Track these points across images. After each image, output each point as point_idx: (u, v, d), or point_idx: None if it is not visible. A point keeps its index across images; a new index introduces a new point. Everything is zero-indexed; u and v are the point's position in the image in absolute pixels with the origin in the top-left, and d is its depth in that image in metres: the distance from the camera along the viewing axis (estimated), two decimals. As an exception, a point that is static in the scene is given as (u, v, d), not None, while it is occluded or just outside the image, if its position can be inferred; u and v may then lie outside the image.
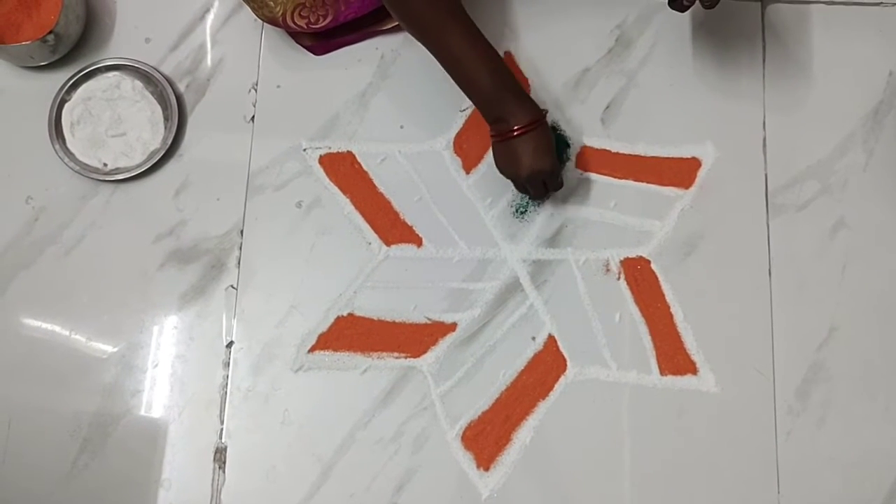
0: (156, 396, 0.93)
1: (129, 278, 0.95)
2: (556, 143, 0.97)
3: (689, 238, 0.95)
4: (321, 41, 1.00)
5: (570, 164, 0.98)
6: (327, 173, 0.98)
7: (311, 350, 0.93)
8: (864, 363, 0.92)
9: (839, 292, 0.94)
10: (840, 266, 0.95)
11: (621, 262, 0.95)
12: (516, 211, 0.96)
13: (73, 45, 1.00)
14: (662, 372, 0.92)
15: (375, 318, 0.94)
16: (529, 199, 0.96)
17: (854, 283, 0.94)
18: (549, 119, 0.97)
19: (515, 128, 0.84)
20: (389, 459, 0.90)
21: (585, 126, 0.99)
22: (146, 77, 0.99)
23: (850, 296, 0.94)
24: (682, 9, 0.83)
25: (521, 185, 0.91)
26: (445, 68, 0.85)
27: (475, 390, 0.92)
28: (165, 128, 0.98)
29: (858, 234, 0.95)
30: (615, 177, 0.97)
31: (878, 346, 0.93)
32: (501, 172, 0.90)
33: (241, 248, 0.96)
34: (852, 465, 0.90)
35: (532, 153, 0.86)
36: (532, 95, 0.98)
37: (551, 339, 0.93)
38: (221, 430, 0.91)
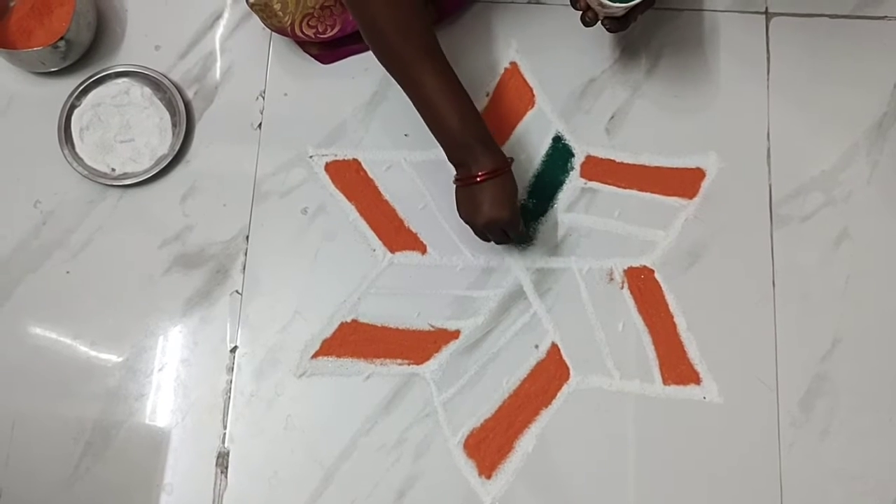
0: (159, 401, 0.93)
1: (135, 283, 0.96)
2: (560, 154, 0.98)
3: (693, 248, 0.96)
4: (328, 50, 1.01)
5: (575, 174, 0.98)
6: (333, 180, 0.98)
7: (315, 356, 0.93)
8: (868, 375, 0.92)
9: (843, 303, 0.94)
10: (844, 277, 0.95)
11: (625, 271, 0.95)
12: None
13: (83, 52, 1.01)
14: (665, 381, 0.92)
15: (379, 325, 0.94)
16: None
17: (858, 294, 0.94)
18: (554, 129, 0.99)
19: (478, 174, 0.84)
20: (391, 466, 0.90)
21: (590, 136, 0.99)
22: (155, 84, 1.00)
23: (854, 307, 0.94)
24: (587, 24, 0.85)
25: (479, 232, 0.90)
26: (416, 107, 0.85)
27: (478, 398, 0.92)
28: (173, 134, 0.99)
29: (862, 245, 0.95)
30: (619, 186, 0.98)
31: (882, 358, 0.93)
32: (461, 217, 0.88)
33: (246, 254, 0.96)
34: (856, 478, 0.90)
35: (491, 201, 0.84)
36: (537, 106, 1.00)
37: (554, 348, 0.93)
38: (224, 434, 0.92)
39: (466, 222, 0.89)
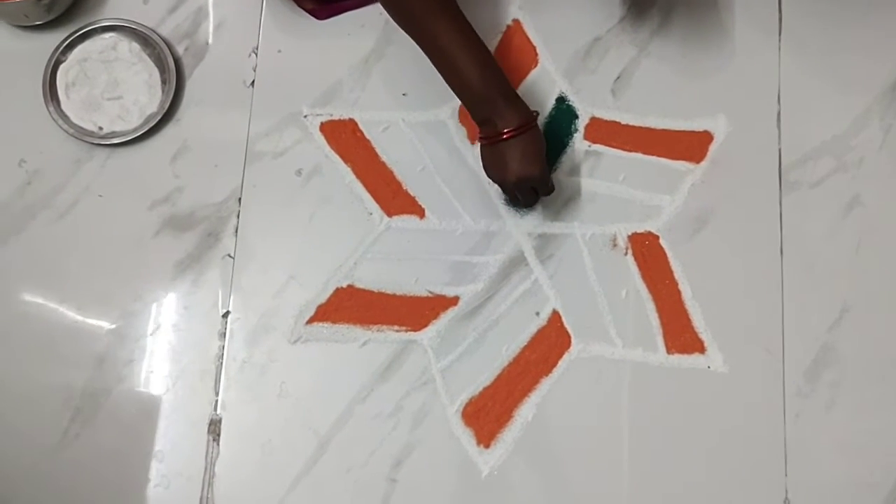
0: (149, 366, 0.91)
1: (124, 245, 0.93)
2: (564, 115, 0.95)
3: (700, 214, 0.93)
4: (324, 5, 0.98)
5: (579, 136, 0.95)
6: (328, 141, 0.95)
7: (310, 322, 0.91)
8: (875, 345, 0.90)
9: (852, 272, 0.92)
10: (853, 245, 0.92)
11: (629, 237, 0.93)
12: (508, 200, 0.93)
13: (69, 5, 0.97)
14: (669, 350, 0.90)
15: (375, 291, 0.92)
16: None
17: (867, 263, 0.92)
18: (557, 90, 0.96)
19: (504, 131, 0.81)
20: (388, 435, 0.88)
21: (595, 97, 0.96)
22: (144, 39, 0.97)
23: (863, 276, 0.92)
24: None
25: (509, 191, 0.88)
26: (434, 64, 0.82)
27: (477, 366, 0.90)
28: (163, 91, 0.95)
29: (873, 213, 0.93)
30: (624, 149, 0.95)
31: (890, 328, 0.91)
32: (489, 177, 0.86)
33: (238, 217, 0.94)
34: (861, 449, 0.88)
35: (521, 158, 0.82)
36: (540, 65, 0.97)
37: (556, 315, 0.91)
38: (216, 401, 0.90)
39: (496, 182, 0.86)
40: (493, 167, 0.85)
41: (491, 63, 0.82)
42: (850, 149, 0.94)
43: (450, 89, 0.83)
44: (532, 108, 0.83)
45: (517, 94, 0.83)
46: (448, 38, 0.80)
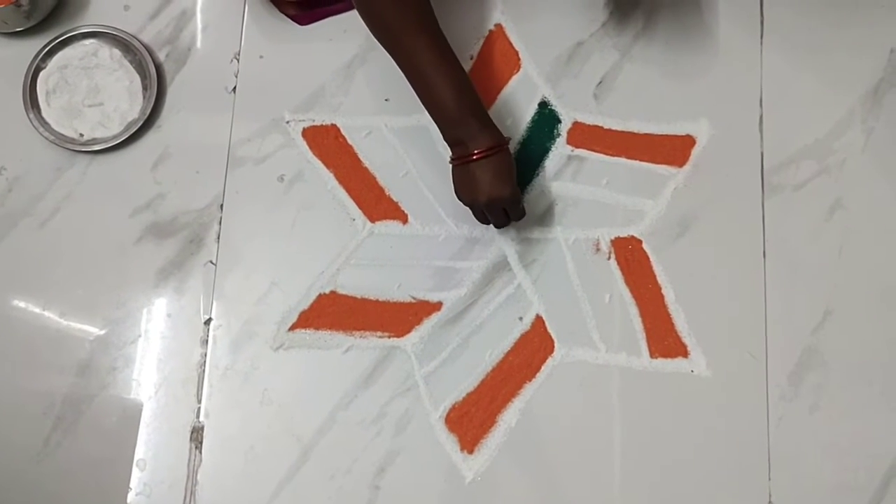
0: (131, 374, 0.90)
1: (105, 252, 0.93)
2: (546, 120, 0.95)
3: (682, 218, 0.93)
4: (306, 10, 0.97)
5: (562, 141, 0.95)
6: (310, 147, 0.95)
7: (292, 328, 0.90)
8: (859, 348, 0.90)
9: (835, 275, 0.92)
10: (836, 248, 0.92)
11: (612, 241, 0.92)
12: None
13: (48, 11, 0.97)
14: (653, 354, 0.90)
15: (358, 297, 0.91)
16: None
17: (850, 265, 0.92)
18: (540, 94, 0.96)
19: (475, 151, 0.81)
20: (371, 441, 0.88)
21: (578, 101, 0.96)
22: (125, 45, 0.96)
23: (846, 279, 0.91)
24: None
25: (479, 213, 0.88)
26: (409, 81, 0.82)
27: (460, 371, 0.89)
28: (144, 98, 0.95)
29: (856, 215, 0.93)
30: (607, 154, 0.95)
31: (873, 331, 0.91)
32: (459, 199, 0.86)
33: (220, 223, 0.93)
34: (845, 452, 0.88)
35: (491, 179, 0.82)
36: (523, 70, 0.97)
37: (539, 320, 0.91)
38: (199, 409, 0.89)
39: (466, 203, 0.86)
40: (463, 188, 0.84)
41: (466, 85, 0.81)
42: (833, 152, 0.94)
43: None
44: (505, 135, 0.83)
45: (489, 118, 0.83)
46: (424, 56, 0.79)
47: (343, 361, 0.90)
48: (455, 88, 0.80)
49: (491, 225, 0.91)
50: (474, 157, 0.81)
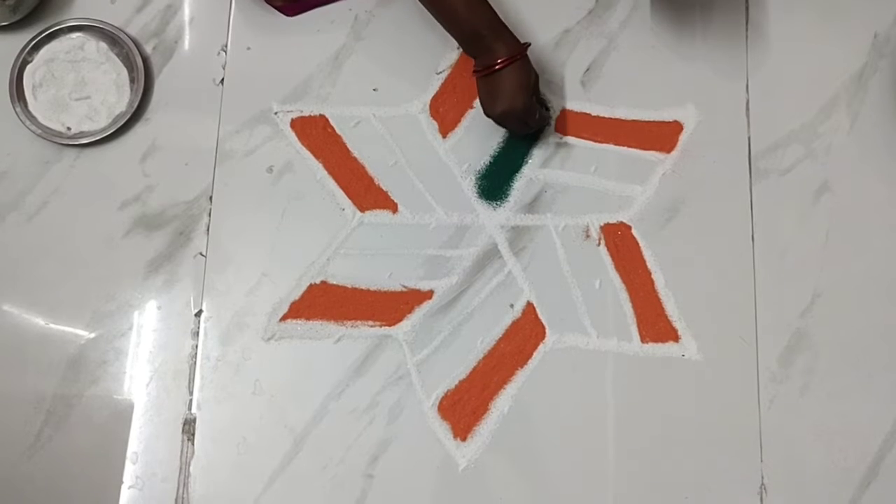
0: (122, 368, 0.90)
1: (94, 246, 0.92)
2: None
3: (671, 203, 0.93)
4: (293, 1, 0.97)
5: (550, 129, 0.95)
6: (299, 137, 0.95)
7: (283, 319, 0.90)
8: (847, 330, 0.91)
9: (823, 258, 0.92)
10: (824, 231, 0.93)
11: (601, 227, 0.93)
12: (481, 192, 0.93)
13: (34, 5, 0.96)
14: (643, 339, 0.90)
15: (349, 286, 0.91)
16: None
17: (838, 248, 0.92)
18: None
19: (493, 63, 0.83)
20: (364, 430, 0.88)
21: (565, 89, 0.96)
22: (111, 38, 0.96)
23: (834, 262, 0.92)
24: None
25: (514, 123, 0.89)
26: (423, 2, 0.84)
27: (452, 359, 0.89)
28: (131, 91, 0.95)
29: (842, 198, 0.93)
30: (595, 141, 0.95)
31: (862, 313, 0.91)
32: (485, 113, 0.88)
33: (210, 215, 0.93)
34: (836, 434, 0.88)
35: (505, 91, 0.84)
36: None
37: (530, 307, 0.91)
38: (190, 401, 0.89)
39: (488, 116, 0.88)
40: (483, 101, 0.87)
41: None
42: (819, 136, 0.95)
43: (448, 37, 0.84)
44: (524, 41, 0.85)
45: (505, 27, 0.85)
46: None
47: (334, 351, 0.89)
48: (465, 2, 0.82)
49: (480, 214, 0.92)
50: (496, 68, 0.83)
